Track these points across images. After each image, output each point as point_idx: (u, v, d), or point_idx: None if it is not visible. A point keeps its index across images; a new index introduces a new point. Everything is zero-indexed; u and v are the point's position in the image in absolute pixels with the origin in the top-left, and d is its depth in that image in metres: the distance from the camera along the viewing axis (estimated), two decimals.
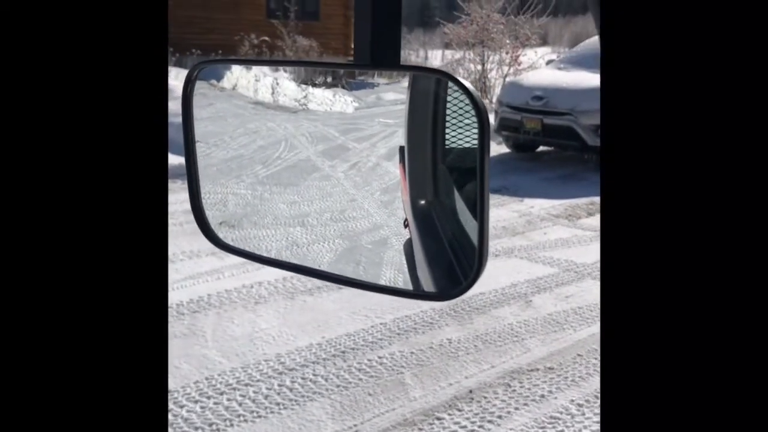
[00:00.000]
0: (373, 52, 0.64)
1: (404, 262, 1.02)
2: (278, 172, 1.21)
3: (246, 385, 3.12)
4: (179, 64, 12.37)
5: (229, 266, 4.60)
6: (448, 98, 0.96)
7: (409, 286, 0.96)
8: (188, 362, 3.31)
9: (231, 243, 0.95)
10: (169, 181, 6.85)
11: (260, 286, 4.29)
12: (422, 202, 1.03)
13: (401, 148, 1.07)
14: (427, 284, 0.92)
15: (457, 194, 0.96)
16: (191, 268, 4.58)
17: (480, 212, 0.62)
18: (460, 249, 0.89)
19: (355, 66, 0.64)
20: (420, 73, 1.19)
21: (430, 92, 1.02)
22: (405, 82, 1.15)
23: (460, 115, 0.94)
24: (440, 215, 1.01)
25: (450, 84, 0.93)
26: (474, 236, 0.77)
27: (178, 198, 6.30)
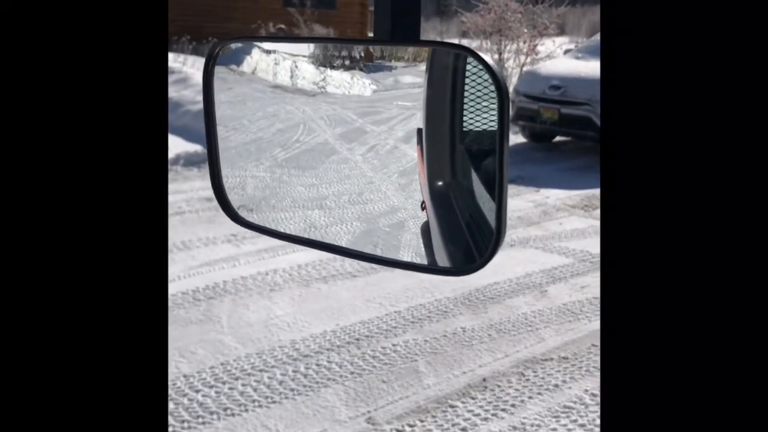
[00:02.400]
0: (393, 28, 0.64)
1: (421, 245, 1.03)
2: (297, 155, 1.21)
3: (261, 370, 3.14)
4: (196, 52, 12.38)
5: (245, 254, 4.62)
6: (467, 78, 0.96)
7: (426, 263, 0.97)
8: (204, 348, 3.34)
9: (250, 220, 0.96)
10: (185, 168, 6.90)
11: (275, 274, 4.31)
12: (440, 183, 1.04)
13: (419, 130, 1.07)
14: (443, 261, 0.92)
15: (474, 175, 0.96)
16: (207, 255, 4.61)
17: (499, 186, 0.62)
18: (477, 229, 0.89)
19: (375, 41, 0.64)
20: (440, 48, 1.18)
21: (448, 71, 1.02)
22: (422, 66, 1.15)
23: (479, 96, 0.94)
24: (457, 196, 1.02)
25: (469, 60, 0.93)
26: (491, 217, 0.77)
27: (193, 186, 6.34)
